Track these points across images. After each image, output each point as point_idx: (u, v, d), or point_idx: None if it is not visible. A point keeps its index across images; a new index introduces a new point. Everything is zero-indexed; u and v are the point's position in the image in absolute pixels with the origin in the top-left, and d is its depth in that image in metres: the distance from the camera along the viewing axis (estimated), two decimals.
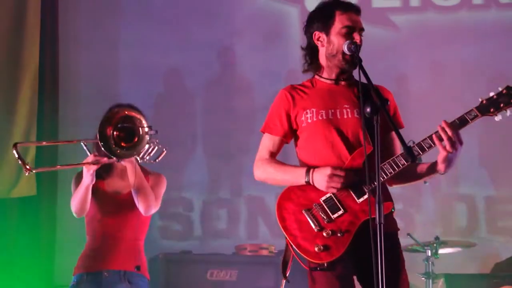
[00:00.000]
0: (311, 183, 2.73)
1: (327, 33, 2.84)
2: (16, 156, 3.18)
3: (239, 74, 5.74)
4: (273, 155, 2.91)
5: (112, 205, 3.50)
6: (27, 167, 3.18)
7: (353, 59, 2.77)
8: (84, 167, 3.33)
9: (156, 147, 3.40)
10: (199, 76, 5.66)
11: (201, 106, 5.70)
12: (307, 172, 2.74)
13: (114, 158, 3.33)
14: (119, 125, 3.26)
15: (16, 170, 5.19)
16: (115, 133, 3.25)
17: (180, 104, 5.70)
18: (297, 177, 2.77)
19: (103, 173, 3.52)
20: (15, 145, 3.22)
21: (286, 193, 2.79)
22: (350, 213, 2.70)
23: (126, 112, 3.31)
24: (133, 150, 3.29)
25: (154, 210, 3.52)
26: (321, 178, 2.70)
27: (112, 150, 3.24)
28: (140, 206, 3.43)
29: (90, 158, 3.31)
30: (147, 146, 3.33)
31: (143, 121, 3.31)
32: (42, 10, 5.43)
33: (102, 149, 3.25)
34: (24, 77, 5.37)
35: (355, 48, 2.74)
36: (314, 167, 2.75)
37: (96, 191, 3.50)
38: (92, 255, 3.48)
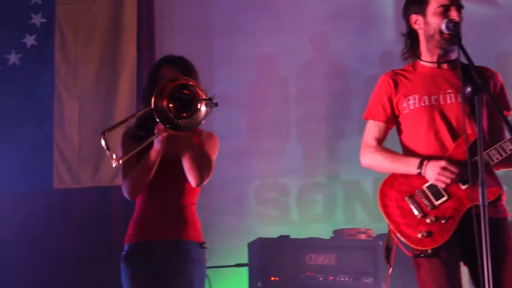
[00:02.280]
0: (423, 175, 2.71)
1: (424, 15, 2.81)
2: (104, 146, 2.93)
3: (333, 58, 5.72)
4: (379, 142, 2.90)
5: (163, 169, 3.13)
6: (114, 157, 2.93)
7: (452, 38, 2.71)
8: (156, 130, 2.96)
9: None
10: (292, 61, 5.67)
11: (295, 91, 5.71)
12: (421, 163, 2.71)
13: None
14: (175, 96, 2.92)
15: None
16: (170, 104, 2.92)
17: (273, 91, 5.73)
18: (408, 167, 2.75)
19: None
20: (103, 133, 2.95)
21: (389, 180, 2.78)
22: (454, 199, 2.66)
23: (176, 82, 2.93)
24: (194, 119, 2.92)
25: (206, 181, 3.16)
26: (433, 171, 2.67)
27: (172, 123, 2.91)
28: (191, 178, 3.09)
29: (157, 128, 2.95)
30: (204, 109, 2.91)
31: (199, 90, 2.92)
32: (138, 4, 5.57)
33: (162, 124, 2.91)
34: (123, 70, 5.53)
35: (454, 26, 2.69)
36: (428, 158, 2.72)
37: (144, 154, 3.14)
38: (143, 223, 3.17)
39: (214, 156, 3.19)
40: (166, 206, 3.12)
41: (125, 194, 3.11)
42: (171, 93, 2.89)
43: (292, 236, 4.82)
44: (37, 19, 5.51)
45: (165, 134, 2.93)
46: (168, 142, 2.96)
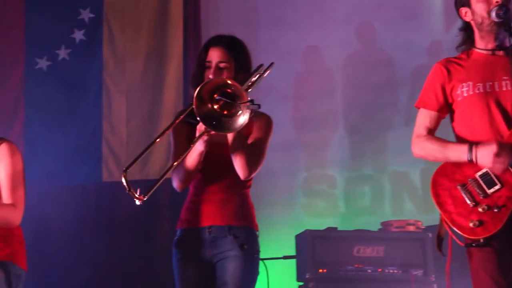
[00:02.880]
0: (474, 161, 2.68)
1: (469, 5, 2.81)
2: (125, 185, 2.85)
3: (379, 48, 5.67)
4: (430, 132, 2.86)
5: (216, 154, 3.04)
6: (137, 196, 2.84)
7: (504, 23, 2.70)
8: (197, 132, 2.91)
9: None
10: (338, 52, 5.64)
11: (341, 82, 5.68)
12: (470, 149, 2.69)
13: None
14: (216, 97, 2.83)
15: (166, 151, 5.41)
16: (215, 106, 2.84)
17: (320, 82, 5.71)
18: (459, 154, 2.72)
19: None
20: (125, 171, 2.87)
21: (441, 169, 2.76)
22: (507, 188, 2.63)
23: (215, 83, 2.87)
24: (237, 118, 2.82)
25: (255, 172, 3.04)
26: (486, 156, 2.64)
27: (215, 123, 2.82)
28: (239, 172, 2.99)
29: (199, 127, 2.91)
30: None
31: (240, 91, 2.82)
32: None
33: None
34: (170, 64, 5.57)
35: (504, 13, 2.67)
36: (476, 143, 2.69)
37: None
38: (195, 209, 3.09)
39: (267, 142, 3.10)
40: (218, 191, 3.06)
41: (174, 186, 3.08)
42: (211, 93, 2.82)
43: (340, 228, 4.80)
44: (86, 14, 5.59)
45: (205, 137, 2.88)
46: (212, 137, 2.90)
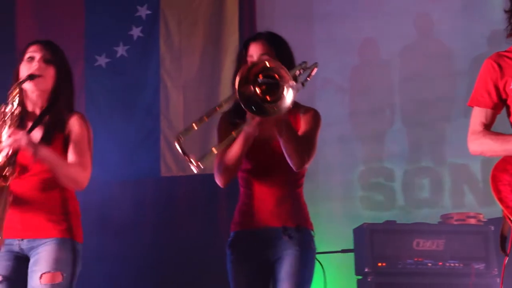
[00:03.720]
0: None
1: None
2: (180, 150, 2.84)
3: (437, 40, 5.59)
4: (487, 127, 2.77)
5: (265, 153, 3.04)
6: (194, 163, 2.81)
7: None
8: (247, 115, 2.87)
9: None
10: (395, 44, 5.58)
11: (399, 75, 5.62)
12: None
13: None
14: (259, 80, 2.79)
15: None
16: (256, 89, 2.81)
17: (376, 74, 5.66)
18: None
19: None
20: (178, 138, 2.86)
21: (500, 164, 2.68)
22: None
23: (262, 64, 2.81)
24: (281, 102, 2.78)
25: (308, 163, 3.00)
26: None
27: (260, 110, 2.79)
28: (291, 162, 2.95)
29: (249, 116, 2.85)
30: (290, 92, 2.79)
31: (285, 72, 2.80)
32: None
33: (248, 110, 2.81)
34: (226, 59, 5.60)
35: None
36: None
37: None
38: (248, 210, 3.07)
39: (317, 134, 3.05)
40: (271, 192, 3.03)
41: (217, 182, 3.06)
42: (254, 77, 2.79)
43: (399, 221, 4.75)
44: (143, 11, 5.66)
45: (258, 119, 2.84)
46: (261, 126, 2.87)
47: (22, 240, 3.01)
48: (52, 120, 3.08)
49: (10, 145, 2.91)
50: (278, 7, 5.77)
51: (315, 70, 2.96)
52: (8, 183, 2.92)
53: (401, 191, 5.51)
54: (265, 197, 3.04)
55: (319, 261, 4.05)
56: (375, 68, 5.68)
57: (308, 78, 2.96)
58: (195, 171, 2.84)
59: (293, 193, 3.07)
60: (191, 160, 2.82)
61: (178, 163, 5.54)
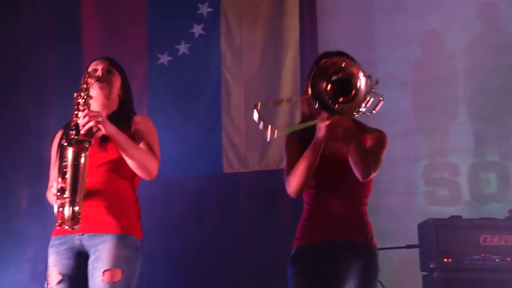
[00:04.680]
0: None
1: None
2: (257, 118, 2.90)
3: (503, 30, 5.46)
4: None
5: (329, 169, 3.05)
6: (270, 129, 2.82)
7: None
8: (319, 117, 2.92)
9: (373, 98, 2.83)
10: (459, 36, 5.47)
11: (463, 67, 5.51)
12: None
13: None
14: (333, 78, 2.83)
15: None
16: (329, 86, 2.84)
17: (439, 67, 5.56)
18: None
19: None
20: (255, 106, 2.91)
21: None
22: None
23: (339, 64, 2.86)
24: (353, 104, 2.81)
25: (373, 174, 3.02)
26: None
27: (329, 107, 2.83)
28: (357, 172, 2.97)
29: (320, 119, 2.89)
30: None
31: (359, 70, 2.84)
32: None
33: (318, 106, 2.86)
34: (286, 55, 5.59)
35: None
36: None
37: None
38: (311, 225, 3.08)
39: (383, 154, 3.09)
40: (335, 206, 3.03)
41: (289, 192, 3.05)
42: (330, 75, 2.82)
43: (465, 217, 4.67)
44: (204, 9, 5.71)
45: (327, 122, 2.87)
46: (331, 130, 2.89)
47: (83, 235, 3.05)
48: (119, 121, 3.17)
49: (88, 121, 3.00)
50: (339, 1, 5.74)
51: (381, 103, 2.91)
52: (87, 152, 2.98)
53: (466, 186, 5.40)
54: (329, 211, 3.04)
55: (381, 283, 4.03)
56: (439, 60, 5.59)
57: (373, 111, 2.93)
58: (268, 139, 2.86)
59: (359, 210, 3.07)
60: (268, 127, 2.83)
61: (240, 160, 5.57)
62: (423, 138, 5.51)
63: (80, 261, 3.05)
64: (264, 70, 5.63)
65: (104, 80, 3.21)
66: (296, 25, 5.56)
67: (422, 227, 4.63)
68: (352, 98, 2.81)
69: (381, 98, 2.88)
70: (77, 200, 2.92)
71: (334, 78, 2.82)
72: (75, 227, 2.93)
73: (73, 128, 3.01)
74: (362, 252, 3.00)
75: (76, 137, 2.97)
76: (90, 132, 3.04)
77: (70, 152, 2.96)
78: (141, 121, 3.24)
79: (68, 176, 2.94)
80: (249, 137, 5.59)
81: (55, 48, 5.74)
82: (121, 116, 3.23)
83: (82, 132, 2.99)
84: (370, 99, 2.82)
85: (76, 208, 2.92)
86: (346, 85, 2.82)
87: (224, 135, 5.62)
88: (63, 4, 5.79)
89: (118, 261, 2.98)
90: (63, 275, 3.04)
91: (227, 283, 5.29)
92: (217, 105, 5.64)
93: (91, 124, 3.00)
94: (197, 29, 5.71)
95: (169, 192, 5.50)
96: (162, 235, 5.28)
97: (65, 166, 2.97)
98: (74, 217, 2.91)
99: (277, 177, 5.52)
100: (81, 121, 3.01)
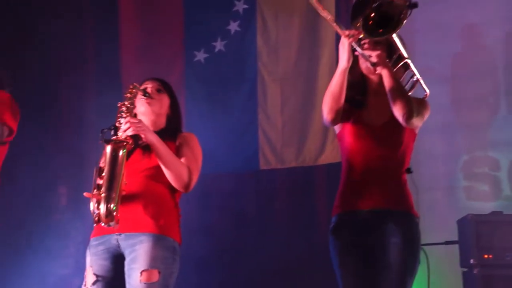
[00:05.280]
0: None
1: None
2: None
3: None
4: None
5: (368, 136, 3.07)
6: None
7: None
8: (340, 44, 2.97)
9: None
10: (499, 29, 5.38)
11: (503, 61, 5.42)
12: None
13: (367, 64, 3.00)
14: (374, 5, 2.90)
15: (321, 138, 5.43)
16: (371, 13, 2.91)
17: (479, 61, 5.47)
18: None
19: (360, 98, 3.14)
20: None
21: None
22: None
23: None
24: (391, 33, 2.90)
25: (415, 121, 3.02)
26: None
27: (368, 26, 2.90)
28: (399, 112, 2.97)
29: (348, 31, 2.95)
30: None
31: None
32: None
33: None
34: (323, 51, 5.56)
35: None
36: None
37: (353, 121, 3.13)
38: (350, 192, 3.05)
39: (425, 112, 3.09)
40: (376, 174, 3.01)
41: (323, 120, 3.10)
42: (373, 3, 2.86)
43: (505, 212, 4.60)
44: (240, 6, 5.72)
45: (348, 40, 2.89)
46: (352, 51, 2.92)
47: (120, 234, 3.04)
48: (164, 134, 3.21)
49: (129, 127, 3.03)
50: None
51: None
52: (125, 149, 2.99)
53: (507, 181, 5.31)
54: (369, 179, 3.01)
55: (424, 250, 3.99)
56: (478, 54, 5.50)
57: None
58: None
59: (399, 178, 3.03)
60: None
61: (277, 156, 5.57)
62: (463, 133, 5.44)
63: (116, 262, 3.05)
64: (300, 66, 5.61)
65: (153, 97, 3.25)
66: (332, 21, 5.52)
67: (461, 223, 4.58)
68: (389, 30, 2.87)
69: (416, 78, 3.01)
70: (113, 196, 2.91)
71: (374, 4, 2.87)
72: (111, 224, 2.92)
73: (112, 128, 3.05)
74: (404, 220, 2.98)
75: (114, 137, 3.01)
76: (133, 141, 3.07)
77: (108, 149, 2.98)
78: (186, 137, 3.27)
79: (105, 173, 2.96)
80: (286, 133, 5.59)
81: (95, 50, 5.81)
82: (168, 131, 3.26)
83: (120, 135, 3.02)
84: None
85: (111, 205, 2.91)
86: (386, 17, 2.89)
87: (260, 132, 5.62)
88: (102, 6, 5.85)
89: (155, 262, 2.97)
90: (98, 276, 3.04)
91: (264, 280, 5.29)
92: (253, 102, 5.65)
93: (130, 131, 3.02)
94: (233, 26, 5.72)
95: (206, 189, 5.51)
96: (199, 232, 5.29)
97: (103, 163, 2.99)
98: (109, 214, 2.90)
99: (314, 173, 5.53)
100: (122, 127, 3.05)
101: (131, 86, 3.19)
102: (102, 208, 2.92)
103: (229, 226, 5.50)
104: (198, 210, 5.38)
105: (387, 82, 3.00)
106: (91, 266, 3.07)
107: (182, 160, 3.14)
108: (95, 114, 5.33)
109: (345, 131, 3.13)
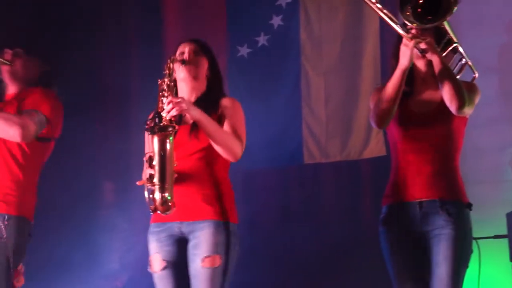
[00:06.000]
0: None
1: None
2: None
3: None
4: None
5: (418, 123, 3.07)
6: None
7: None
8: (402, 44, 2.96)
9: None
10: None
11: None
12: None
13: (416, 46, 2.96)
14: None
15: (366, 131, 5.39)
16: (419, 1, 2.92)
17: None
18: None
19: (407, 87, 3.10)
20: None
21: None
22: None
23: None
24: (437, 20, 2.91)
25: (467, 109, 3.02)
26: None
27: (408, 18, 2.90)
28: (449, 96, 2.95)
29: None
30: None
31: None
32: None
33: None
34: (367, 44, 5.52)
35: None
36: None
37: (401, 110, 3.11)
38: (402, 183, 3.05)
39: (475, 96, 3.09)
40: (428, 163, 2.99)
41: (372, 123, 3.09)
42: None
43: None
44: (283, 0, 5.70)
45: (412, 42, 2.86)
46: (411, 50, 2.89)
47: (182, 223, 3.12)
48: (207, 103, 3.21)
49: (172, 108, 3.02)
50: None
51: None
52: (172, 137, 3.01)
53: None
54: (421, 168, 2.99)
55: (476, 242, 3.94)
56: None
57: None
58: None
59: (451, 166, 3.01)
60: None
61: (321, 150, 5.55)
62: (510, 126, 5.35)
63: (180, 247, 3.13)
64: (344, 60, 5.57)
65: (190, 62, 3.22)
66: (376, 18, 5.48)
67: (511, 216, 4.50)
68: (438, 18, 2.86)
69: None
70: (166, 186, 2.96)
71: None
72: (167, 212, 2.98)
73: (156, 115, 3.06)
74: (456, 210, 2.96)
75: (158, 125, 3.02)
76: (178, 119, 3.10)
77: (155, 140, 3.00)
78: (228, 104, 3.25)
79: (155, 163, 2.99)
80: (330, 127, 5.57)
81: (139, 47, 5.87)
82: (210, 98, 3.25)
83: (165, 118, 3.02)
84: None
85: (166, 194, 2.96)
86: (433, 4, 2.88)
87: (304, 126, 5.61)
88: (146, 3, 5.90)
89: (217, 248, 3.05)
90: (167, 261, 3.12)
91: (310, 273, 5.28)
92: (297, 96, 5.64)
93: (174, 112, 3.03)
94: (276, 20, 5.71)
95: (250, 184, 5.53)
96: (244, 226, 5.29)
97: (152, 154, 3.02)
98: (165, 203, 2.96)
99: (359, 168, 5.50)
100: (165, 107, 3.04)
101: (168, 61, 3.16)
102: (158, 197, 2.97)
103: (273, 220, 5.51)
104: (242, 204, 5.32)
105: (437, 69, 2.97)
106: (157, 253, 3.14)
107: (228, 129, 3.15)
108: (140, 111, 5.38)
109: (393, 121, 3.10)
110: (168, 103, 3.02)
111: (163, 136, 2.99)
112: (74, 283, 5.32)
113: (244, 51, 5.77)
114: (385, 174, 5.41)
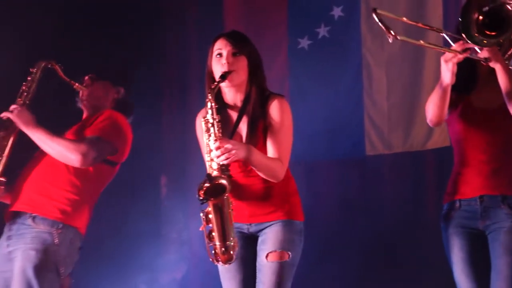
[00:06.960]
0: None
1: None
2: (379, 23, 2.94)
3: None
4: None
5: (480, 120, 3.03)
6: (391, 33, 2.89)
7: None
8: (442, 60, 2.92)
9: None
10: None
11: None
12: None
13: (480, 54, 2.86)
14: (484, 9, 2.77)
15: (427, 124, 5.32)
16: (480, 17, 2.78)
17: None
18: None
19: (469, 83, 3.08)
20: (374, 10, 2.97)
21: None
22: None
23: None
24: (499, 39, 2.76)
25: None
26: None
27: (474, 39, 2.77)
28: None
29: (458, 45, 2.87)
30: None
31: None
32: None
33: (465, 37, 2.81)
34: (430, 33, 5.42)
35: None
36: None
37: (463, 106, 3.08)
38: (463, 180, 3.03)
39: None
40: (488, 160, 2.97)
41: (427, 121, 3.08)
42: (482, 4, 2.75)
43: None
44: None
45: (455, 59, 2.83)
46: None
47: (250, 224, 3.19)
48: (254, 109, 3.17)
49: (225, 158, 2.98)
50: None
51: None
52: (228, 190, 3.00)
53: None
54: (481, 166, 2.98)
55: None
56: None
57: None
58: (390, 41, 2.95)
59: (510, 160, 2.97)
60: (389, 30, 2.92)
61: (384, 142, 5.50)
62: None
63: (248, 242, 3.18)
64: (406, 51, 5.50)
65: (230, 72, 3.10)
66: (440, 3, 5.39)
67: None
68: (500, 34, 2.73)
69: None
70: (227, 244, 3.00)
71: (485, 9, 2.74)
72: (230, 262, 3.03)
73: (206, 177, 2.98)
74: None
75: (210, 189, 2.97)
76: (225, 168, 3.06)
77: (210, 206, 3.01)
78: (275, 114, 3.16)
79: (213, 224, 3.00)
80: (392, 118, 5.51)
81: (198, 38, 5.93)
82: (256, 100, 3.16)
83: (218, 168, 3.00)
84: None
85: (230, 252, 3.01)
86: (496, 19, 2.75)
87: (366, 117, 5.57)
88: None
89: (283, 244, 3.10)
90: (235, 255, 3.14)
91: (371, 266, 5.25)
92: (359, 87, 5.60)
93: (223, 159, 2.98)
94: (337, 11, 5.67)
95: (312, 176, 5.53)
96: (306, 219, 5.32)
97: (208, 211, 3.02)
98: (226, 251, 3.01)
99: (422, 159, 5.42)
100: (213, 153, 2.99)
101: (208, 90, 3.07)
102: (220, 251, 3.01)
103: (335, 212, 5.49)
104: (304, 197, 5.36)
105: (501, 78, 2.92)
106: None
107: (272, 150, 3.11)
108: (199, 106, 5.44)
109: (454, 118, 3.09)
110: (217, 149, 2.96)
111: (217, 201, 2.99)
112: (133, 275, 5.44)
113: (304, 43, 5.75)
114: (449, 165, 5.32)
